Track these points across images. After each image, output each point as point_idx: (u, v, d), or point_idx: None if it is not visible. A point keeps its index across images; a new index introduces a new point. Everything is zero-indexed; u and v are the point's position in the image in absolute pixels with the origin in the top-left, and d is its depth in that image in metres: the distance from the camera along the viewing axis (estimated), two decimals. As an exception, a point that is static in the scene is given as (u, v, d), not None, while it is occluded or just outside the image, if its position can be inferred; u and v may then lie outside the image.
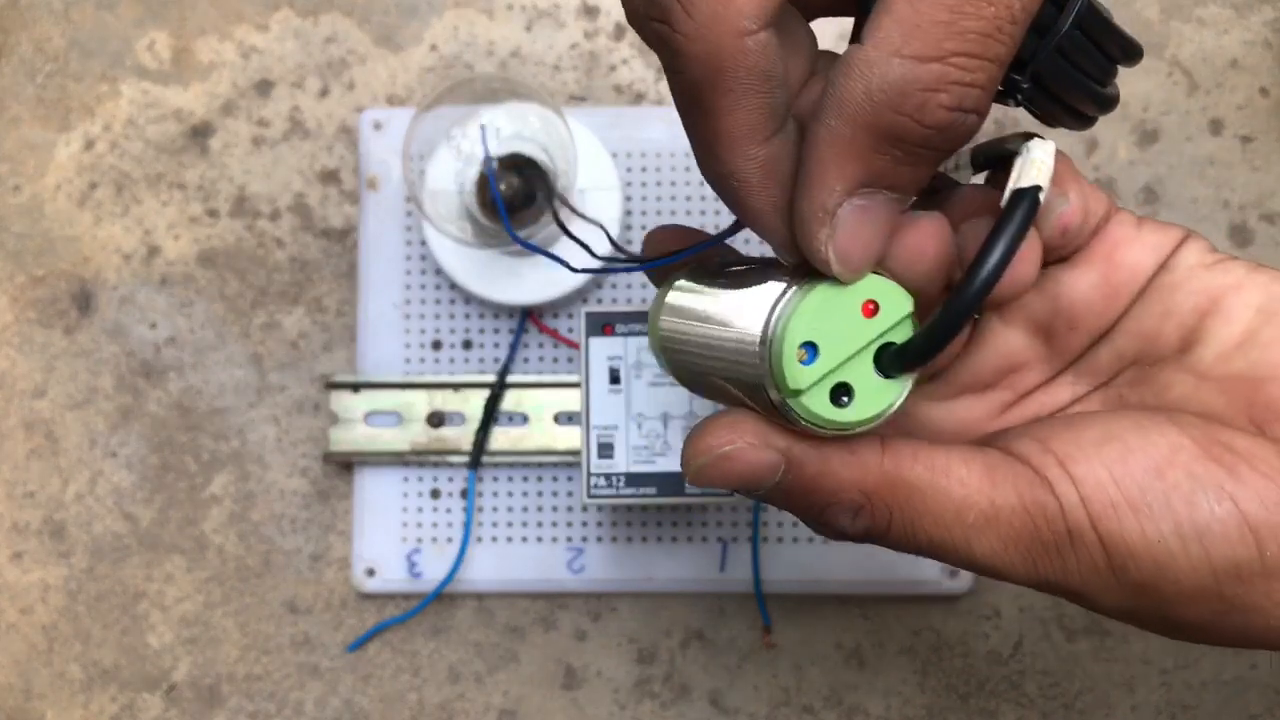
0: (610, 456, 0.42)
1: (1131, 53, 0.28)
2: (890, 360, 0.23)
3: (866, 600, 0.47)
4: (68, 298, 0.49)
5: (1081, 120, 0.29)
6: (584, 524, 0.47)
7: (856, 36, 0.22)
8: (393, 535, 0.47)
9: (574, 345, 0.48)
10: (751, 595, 0.47)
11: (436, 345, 0.48)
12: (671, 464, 0.42)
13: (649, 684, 0.47)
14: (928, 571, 0.46)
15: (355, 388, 0.47)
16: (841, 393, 0.23)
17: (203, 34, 0.50)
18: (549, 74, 0.50)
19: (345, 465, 0.48)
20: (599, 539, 0.47)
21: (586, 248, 0.28)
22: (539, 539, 0.47)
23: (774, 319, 0.23)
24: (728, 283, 0.25)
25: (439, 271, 0.48)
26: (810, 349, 0.23)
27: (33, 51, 0.51)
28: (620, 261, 0.29)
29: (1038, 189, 0.22)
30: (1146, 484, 0.23)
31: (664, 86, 0.50)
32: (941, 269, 0.24)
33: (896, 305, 0.23)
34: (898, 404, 0.24)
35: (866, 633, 0.47)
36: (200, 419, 0.49)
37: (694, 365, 0.26)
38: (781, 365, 0.23)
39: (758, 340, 0.23)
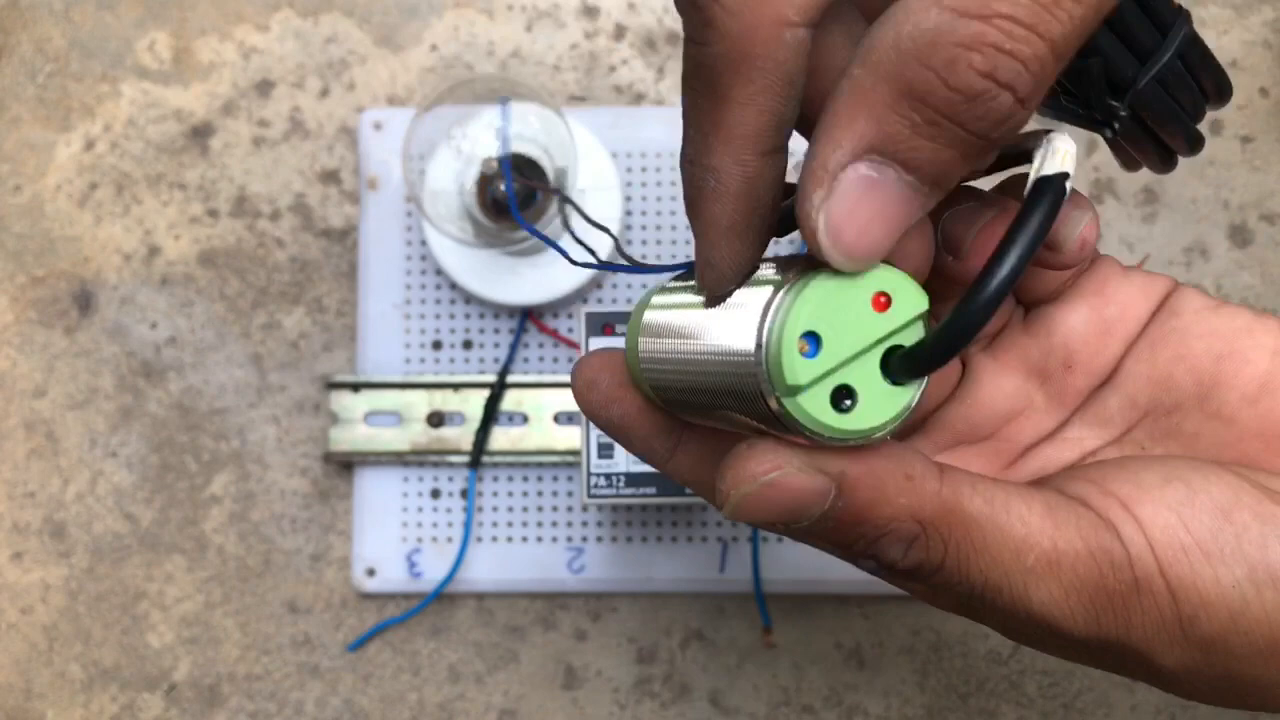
0: (610, 456, 0.42)
1: (1224, 91, 0.26)
2: (900, 364, 0.21)
3: (866, 600, 0.47)
4: (68, 298, 0.49)
5: (1167, 161, 0.27)
6: (584, 524, 0.47)
7: None
8: (393, 535, 0.47)
9: (574, 345, 0.48)
10: (751, 595, 0.47)
11: (436, 345, 0.48)
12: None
13: (649, 684, 0.47)
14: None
15: (355, 388, 0.47)
16: (844, 396, 0.20)
17: (203, 34, 0.50)
18: (549, 74, 0.50)
19: (345, 465, 0.48)
20: (599, 539, 0.47)
21: (590, 250, 0.28)
22: (539, 539, 0.47)
23: (774, 304, 0.20)
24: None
25: (439, 271, 0.48)
26: (813, 340, 0.20)
27: (33, 51, 0.51)
28: (618, 264, 0.28)
29: (1065, 175, 0.20)
30: (1216, 527, 0.22)
31: (664, 86, 0.50)
32: (924, 263, 0.22)
33: (910, 302, 0.21)
34: (906, 413, 0.21)
35: (866, 632, 0.47)
36: (200, 419, 0.49)
37: (684, 385, 0.23)
38: (780, 355, 0.20)
39: (755, 328, 0.20)
